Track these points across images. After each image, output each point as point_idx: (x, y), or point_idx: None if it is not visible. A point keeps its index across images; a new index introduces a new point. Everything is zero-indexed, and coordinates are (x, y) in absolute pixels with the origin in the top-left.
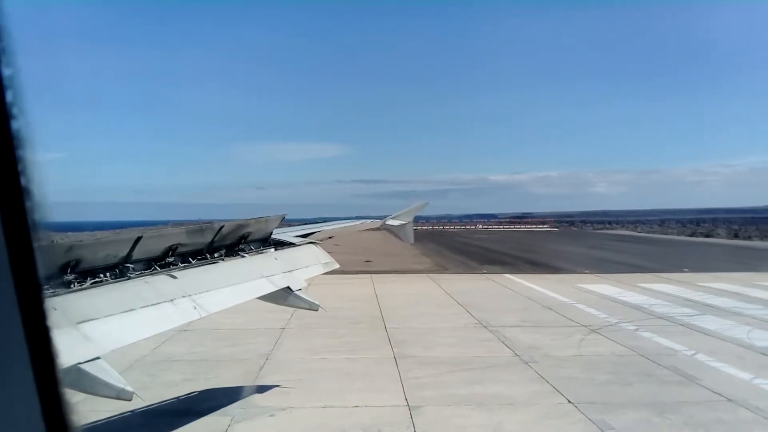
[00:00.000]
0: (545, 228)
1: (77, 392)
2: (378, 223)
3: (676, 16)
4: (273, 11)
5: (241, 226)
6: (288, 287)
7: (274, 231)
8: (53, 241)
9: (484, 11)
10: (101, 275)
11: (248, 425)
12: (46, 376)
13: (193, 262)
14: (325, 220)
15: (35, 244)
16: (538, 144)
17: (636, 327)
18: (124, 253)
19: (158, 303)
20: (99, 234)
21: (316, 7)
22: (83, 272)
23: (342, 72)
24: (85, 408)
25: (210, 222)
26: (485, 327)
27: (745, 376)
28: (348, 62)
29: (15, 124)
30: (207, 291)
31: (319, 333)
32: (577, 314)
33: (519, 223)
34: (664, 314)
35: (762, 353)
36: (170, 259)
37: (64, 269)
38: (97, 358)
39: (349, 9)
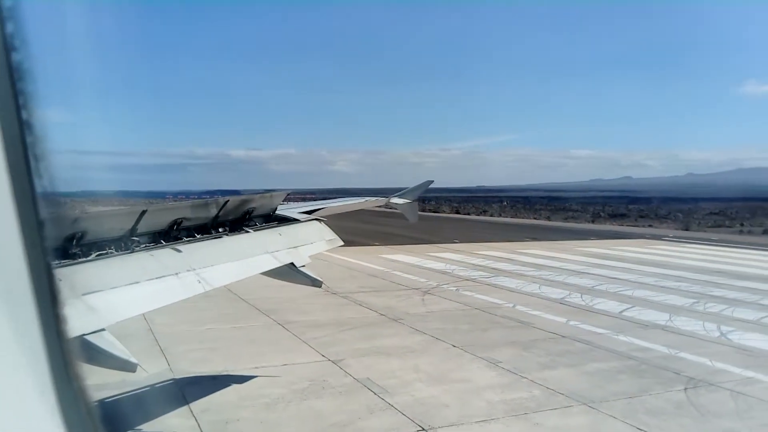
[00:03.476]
0: None
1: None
2: (382, 201)
3: (405, 13)
4: None
5: (245, 202)
6: (292, 263)
7: (278, 207)
8: (60, 210)
9: None
10: (106, 248)
11: (201, 387)
12: (56, 346)
13: (198, 236)
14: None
15: (37, 184)
16: (275, 121)
17: (456, 288)
18: (129, 226)
19: (163, 276)
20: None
21: None
22: (88, 244)
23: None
24: None
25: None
26: (335, 294)
27: (561, 319)
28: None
29: (16, 56)
30: (211, 265)
31: (181, 307)
32: (402, 280)
33: None
34: (468, 277)
35: (560, 303)
36: (175, 233)
37: (69, 241)
38: (102, 329)
39: None
